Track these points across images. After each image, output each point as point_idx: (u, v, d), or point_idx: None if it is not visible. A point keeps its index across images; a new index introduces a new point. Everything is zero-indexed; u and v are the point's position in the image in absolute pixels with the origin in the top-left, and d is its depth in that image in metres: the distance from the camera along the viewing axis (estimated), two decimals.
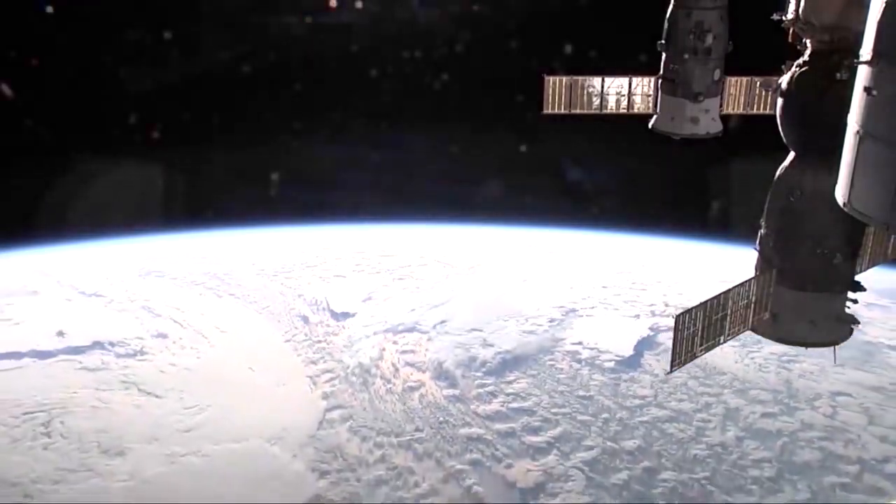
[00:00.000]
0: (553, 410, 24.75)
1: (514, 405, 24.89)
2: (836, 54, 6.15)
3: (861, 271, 6.88)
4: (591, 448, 23.01)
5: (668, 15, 8.04)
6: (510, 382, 26.13)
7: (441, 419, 24.18)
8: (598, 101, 8.71)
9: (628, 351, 28.10)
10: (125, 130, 38.01)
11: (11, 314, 30.65)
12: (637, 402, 25.34)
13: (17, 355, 27.43)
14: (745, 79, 8.38)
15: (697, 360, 6.27)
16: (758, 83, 8.20)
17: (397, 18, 37.28)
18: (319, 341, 29.32)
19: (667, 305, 31.38)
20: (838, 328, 6.70)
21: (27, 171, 36.24)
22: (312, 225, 42.55)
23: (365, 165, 42.61)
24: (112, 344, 28.60)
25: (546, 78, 8.67)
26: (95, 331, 29.39)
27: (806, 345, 6.82)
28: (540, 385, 26.06)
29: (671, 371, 6.38)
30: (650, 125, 8.67)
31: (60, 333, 29.25)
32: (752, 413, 25.18)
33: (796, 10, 6.33)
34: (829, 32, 6.21)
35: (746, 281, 6.57)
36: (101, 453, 22.51)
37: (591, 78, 8.68)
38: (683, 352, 6.26)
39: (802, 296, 6.60)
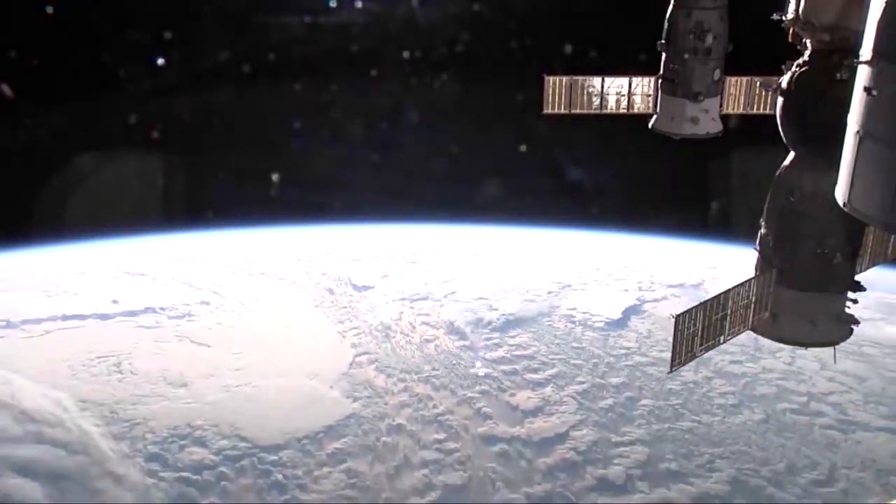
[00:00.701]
0: (550, 357, 29.46)
1: (517, 353, 29.68)
2: (836, 54, 6.14)
3: (861, 271, 6.87)
4: (582, 383, 27.85)
5: (668, 15, 8.02)
6: (513, 337, 30.79)
7: (454, 362, 29.08)
8: (598, 101, 8.70)
9: (617, 315, 32.47)
10: (126, 130, 38.01)
11: (67, 288, 34.36)
12: (623, 351, 30.08)
13: (81, 317, 31.80)
14: (745, 79, 8.36)
15: None
16: (758, 83, 8.18)
17: (397, 18, 37.27)
18: (345, 307, 33.66)
19: (652, 283, 35.55)
20: (838, 328, 6.69)
21: (27, 171, 36.31)
22: (313, 225, 42.87)
23: (365, 165, 42.61)
24: (162, 308, 32.67)
25: (546, 78, 8.65)
26: (146, 299, 33.26)
27: (806, 345, 6.82)
28: (539, 339, 30.72)
29: (671, 371, 6.39)
30: (650, 125, 8.66)
31: (115, 301, 32.97)
32: (721, 360, 28.81)
33: (796, 10, 6.32)
34: (829, 32, 6.19)
35: (746, 281, 6.56)
36: (167, 385, 27.11)
37: (591, 78, 8.65)
38: (683, 352, 6.26)
39: (802, 296, 6.58)
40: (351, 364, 28.70)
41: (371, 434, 24.86)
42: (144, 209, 40.66)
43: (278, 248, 40.36)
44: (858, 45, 4.40)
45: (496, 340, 30.35)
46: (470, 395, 27.01)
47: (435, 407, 26.30)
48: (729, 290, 6.41)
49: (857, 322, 6.67)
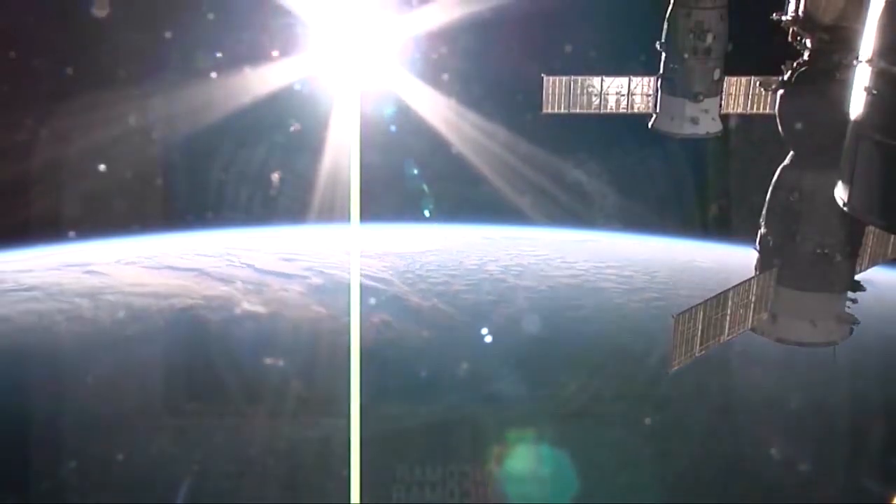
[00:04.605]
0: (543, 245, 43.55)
1: (524, 239, 43.17)
2: (836, 54, 6.14)
3: (861, 271, 6.86)
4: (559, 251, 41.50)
5: (667, 15, 8.01)
6: (522, 238, 44.19)
7: (487, 242, 42.84)
8: (598, 101, 8.67)
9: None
10: (124, 130, 37.95)
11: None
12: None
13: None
14: (745, 79, 8.36)
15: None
16: (758, 83, 8.17)
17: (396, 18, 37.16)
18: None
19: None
20: (838, 328, 6.68)
21: (26, 172, 36.28)
22: (313, 224, 42.99)
23: (366, 165, 42.47)
24: None
25: (546, 78, 8.62)
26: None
27: (805, 344, 6.80)
28: (537, 241, 43.60)
29: (669, 372, 6.35)
30: (650, 125, 8.65)
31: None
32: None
33: (796, 10, 6.31)
34: (829, 32, 6.19)
35: (746, 281, 6.56)
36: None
37: (591, 78, 8.63)
38: (683, 351, 6.25)
39: (802, 296, 6.58)
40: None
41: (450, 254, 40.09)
42: (143, 210, 40.71)
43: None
44: (858, 45, 4.39)
45: (511, 238, 43.54)
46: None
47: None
48: (729, 290, 6.40)
49: (856, 322, 6.65)
